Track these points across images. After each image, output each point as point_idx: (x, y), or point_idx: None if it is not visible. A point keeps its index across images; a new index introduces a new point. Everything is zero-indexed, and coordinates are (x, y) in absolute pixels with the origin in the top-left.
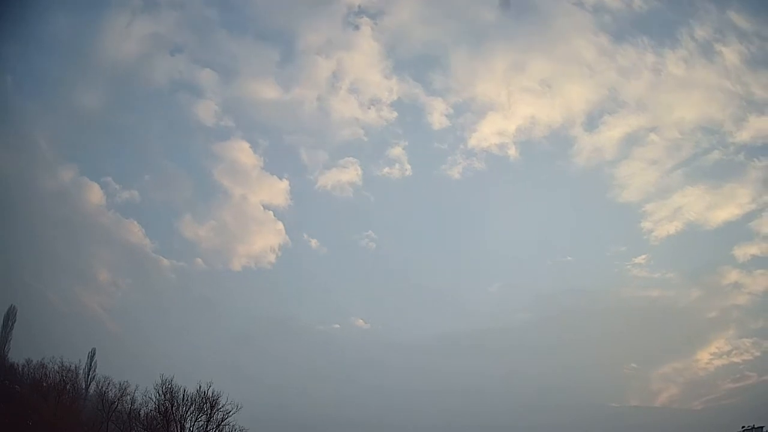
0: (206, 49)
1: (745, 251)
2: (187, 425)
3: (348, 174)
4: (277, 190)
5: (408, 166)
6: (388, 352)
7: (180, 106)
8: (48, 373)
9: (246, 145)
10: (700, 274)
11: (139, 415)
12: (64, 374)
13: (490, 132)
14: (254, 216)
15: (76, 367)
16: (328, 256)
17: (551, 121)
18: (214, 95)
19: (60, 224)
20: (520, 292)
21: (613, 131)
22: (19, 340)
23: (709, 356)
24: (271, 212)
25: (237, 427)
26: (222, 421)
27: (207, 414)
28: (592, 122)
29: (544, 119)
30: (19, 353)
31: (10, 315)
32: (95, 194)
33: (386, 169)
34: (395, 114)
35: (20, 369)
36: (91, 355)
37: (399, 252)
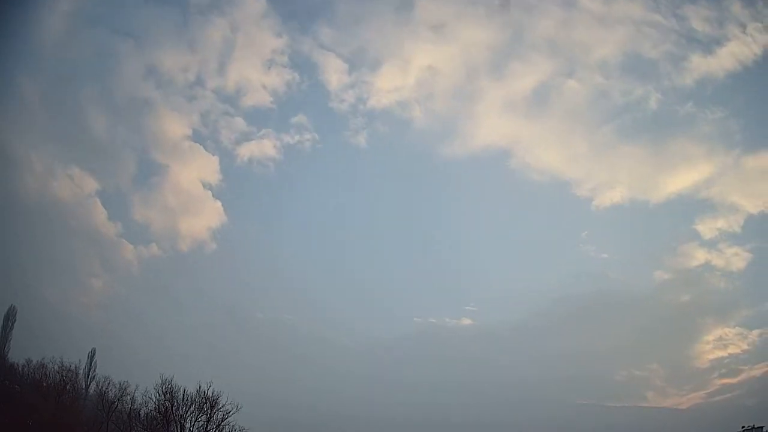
0: (122, 18)
1: (709, 225)
2: (187, 425)
3: (266, 146)
4: (210, 166)
5: (316, 135)
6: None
7: (108, 77)
8: (48, 373)
9: (174, 115)
10: (660, 254)
11: (139, 415)
12: (64, 374)
13: (388, 88)
14: (193, 194)
15: (76, 367)
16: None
17: (452, 71)
18: (136, 65)
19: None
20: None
21: (523, 80)
22: (19, 340)
23: (697, 351)
24: (209, 192)
25: (237, 426)
26: (222, 421)
27: (207, 414)
28: (497, 70)
29: (445, 70)
30: (19, 353)
31: (10, 315)
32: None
33: (297, 137)
34: (295, 75)
35: (20, 369)
36: (91, 355)
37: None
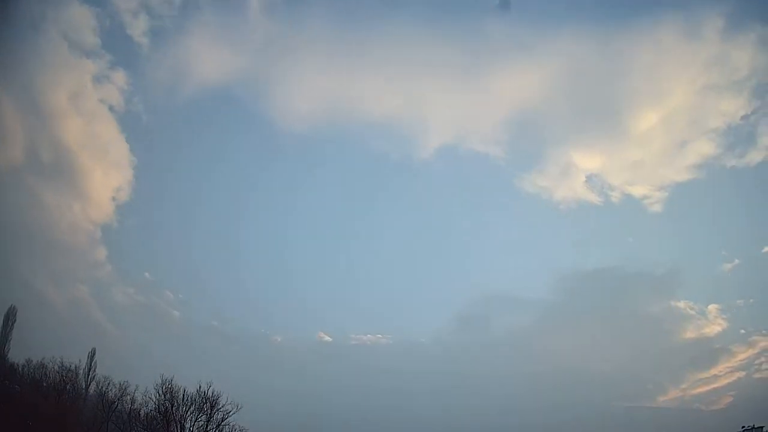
0: None
1: None
2: (187, 425)
3: None
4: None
5: None
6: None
7: None
8: (48, 373)
9: None
10: None
11: (139, 415)
12: (64, 374)
13: None
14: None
15: (76, 367)
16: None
17: None
18: None
19: None
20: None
21: None
22: (19, 340)
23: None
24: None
25: (237, 427)
26: (222, 421)
27: (207, 414)
28: None
29: None
30: (19, 353)
31: (10, 315)
32: None
33: None
34: None
35: (20, 369)
36: (91, 355)
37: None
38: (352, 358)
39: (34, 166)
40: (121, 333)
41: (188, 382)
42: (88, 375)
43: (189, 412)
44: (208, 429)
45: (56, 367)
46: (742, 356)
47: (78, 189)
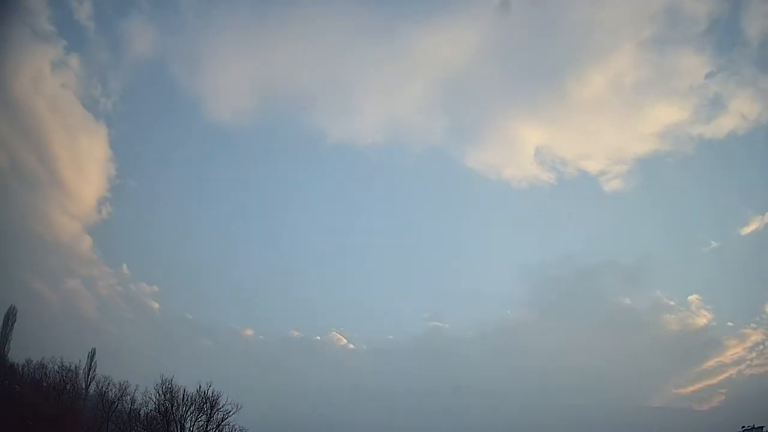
0: None
1: None
2: (187, 425)
3: None
4: None
5: None
6: None
7: None
8: (48, 373)
9: None
10: None
11: (139, 415)
12: (64, 374)
13: None
14: None
15: (76, 367)
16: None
17: None
18: None
19: None
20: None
21: None
22: (19, 340)
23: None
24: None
25: (237, 427)
26: (222, 421)
27: (207, 414)
28: None
29: None
30: (19, 353)
31: (10, 315)
32: None
33: None
34: None
35: (20, 369)
36: (91, 355)
37: None
38: (327, 356)
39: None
40: (110, 326)
41: (188, 382)
42: (88, 375)
43: (189, 412)
44: (208, 429)
45: (56, 367)
46: (732, 352)
47: (56, 183)
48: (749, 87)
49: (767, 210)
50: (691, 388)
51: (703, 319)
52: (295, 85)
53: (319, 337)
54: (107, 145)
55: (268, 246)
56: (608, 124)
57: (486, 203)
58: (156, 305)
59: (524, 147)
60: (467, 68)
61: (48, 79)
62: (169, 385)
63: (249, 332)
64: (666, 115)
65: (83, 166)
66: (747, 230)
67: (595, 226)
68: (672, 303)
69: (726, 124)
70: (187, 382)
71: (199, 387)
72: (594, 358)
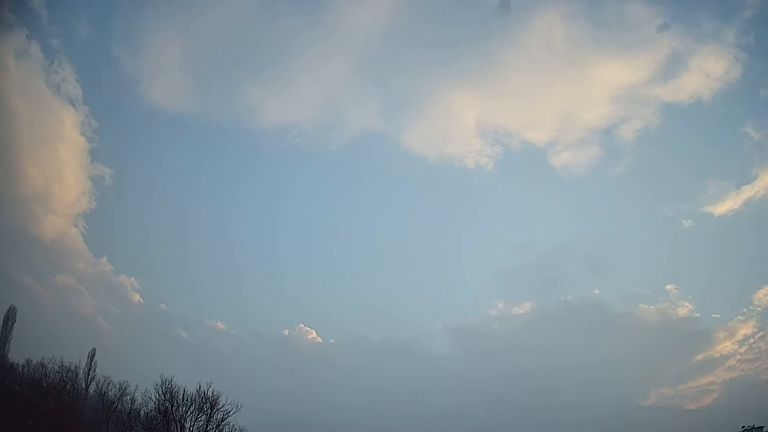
0: None
1: None
2: (187, 425)
3: None
4: None
5: None
6: None
7: None
8: (48, 373)
9: None
10: None
11: (139, 415)
12: (64, 374)
13: None
14: None
15: (76, 367)
16: None
17: None
18: None
19: None
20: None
21: None
22: (19, 340)
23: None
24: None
25: (237, 427)
26: (222, 421)
27: (207, 414)
28: None
29: None
30: (19, 353)
31: (10, 315)
32: None
33: None
34: None
35: (20, 369)
36: (91, 355)
37: None
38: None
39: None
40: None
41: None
42: (88, 375)
43: (189, 412)
44: (208, 429)
45: (56, 367)
46: (721, 346)
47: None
48: (711, 41)
49: (743, 183)
50: (680, 387)
51: (683, 309)
52: (225, 63)
53: (286, 331)
54: (79, 132)
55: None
56: (549, 88)
57: (430, 186)
58: (137, 297)
59: (463, 119)
60: (391, 38)
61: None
62: (169, 385)
63: (221, 325)
64: (615, 75)
65: (60, 158)
66: (722, 208)
67: (549, 206)
68: (647, 293)
69: (688, 84)
70: (187, 382)
71: (199, 387)
72: (569, 353)
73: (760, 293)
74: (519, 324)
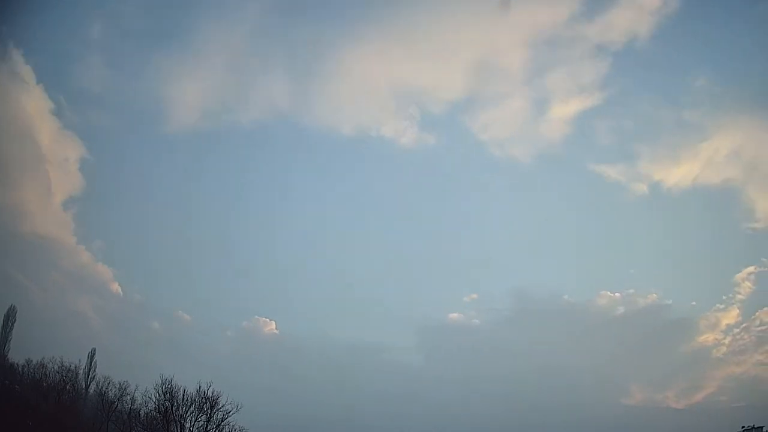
0: None
1: None
2: (187, 425)
3: None
4: None
5: None
6: None
7: None
8: (48, 373)
9: None
10: None
11: (139, 415)
12: (64, 374)
13: None
14: None
15: (76, 367)
16: None
17: None
18: None
19: None
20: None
21: None
22: (19, 340)
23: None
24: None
25: (237, 427)
26: (222, 421)
27: (207, 414)
28: None
29: None
30: (19, 353)
31: (10, 315)
32: None
33: None
34: None
35: (20, 369)
36: (91, 355)
37: None
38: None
39: None
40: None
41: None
42: (88, 375)
43: (189, 412)
44: (208, 429)
45: (56, 367)
46: (703, 338)
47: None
48: None
49: (702, 140)
50: (664, 384)
51: (648, 299)
52: None
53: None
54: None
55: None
56: (460, 37)
57: (348, 162)
58: (116, 287)
59: (380, 83)
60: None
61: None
62: (169, 385)
63: (186, 317)
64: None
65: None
66: (677, 172)
67: (480, 179)
68: (609, 280)
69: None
70: (187, 382)
71: (199, 387)
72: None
73: (739, 277)
74: (481, 328)
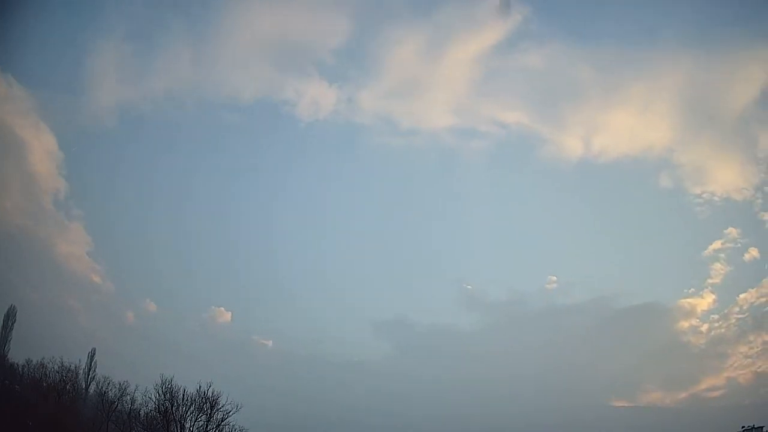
0: None
1: None
2: (187, 425)
3: None
4: None
5: None
6: None
7: None
8: (48, 373)
9: None
10: None
11: (139, 415)
12: (64, 374)
13: None
14: None
15: (76, 367)
16: None
17: None
18: None
19: None
20: None
21: None
22: (19, 340)
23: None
24: None
25: (237, 427)
26: (222, 421)
27: (207, 414)
28: None
29: None
30: (19, 353)
31: (10, 315)
32: None
33: None
34: None
35: (20, 369)
36: (91, 355)
37: None
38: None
39: None
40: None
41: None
42: (88, 375)
43: (189, 412)
44: (208, 429)
45: (56, 367)
46: (678, 326)
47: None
48: None
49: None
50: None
51: (605, 291)
52: None
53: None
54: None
55: None
56: None
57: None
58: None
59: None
60: None
61: None
62: (169, 385)
63: (152, 307)
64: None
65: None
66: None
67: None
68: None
69: None
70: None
71: (199, 387)
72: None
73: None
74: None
